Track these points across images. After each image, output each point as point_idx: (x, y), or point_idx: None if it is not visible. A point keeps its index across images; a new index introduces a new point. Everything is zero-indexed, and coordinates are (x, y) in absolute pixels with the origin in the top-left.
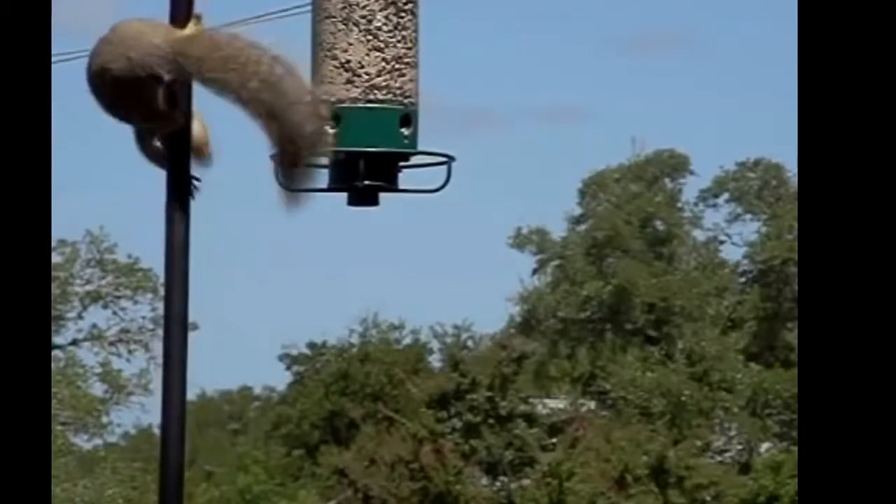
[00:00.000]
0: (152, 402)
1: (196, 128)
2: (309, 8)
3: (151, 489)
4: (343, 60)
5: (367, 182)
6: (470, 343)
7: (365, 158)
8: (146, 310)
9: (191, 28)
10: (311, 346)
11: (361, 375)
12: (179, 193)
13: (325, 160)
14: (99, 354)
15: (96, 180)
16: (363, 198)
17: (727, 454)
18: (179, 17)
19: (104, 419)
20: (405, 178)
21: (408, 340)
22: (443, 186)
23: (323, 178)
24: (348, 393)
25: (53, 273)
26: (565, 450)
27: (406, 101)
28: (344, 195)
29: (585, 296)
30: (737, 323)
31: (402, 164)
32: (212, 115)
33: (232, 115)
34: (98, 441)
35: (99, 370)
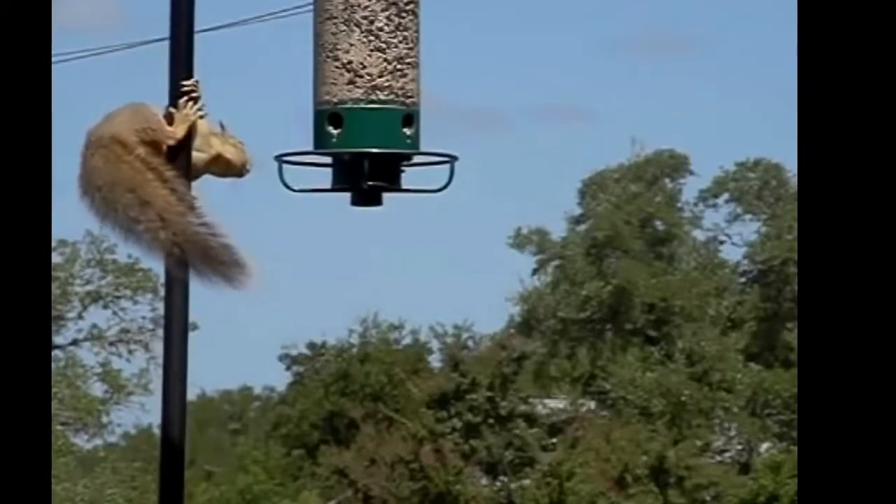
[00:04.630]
0: (152, 402)
1: (232, 152)
2: (309, 8)
3: (151, 489)
4: (345, 61)
5: (370, 183)
6: (470, 343)
7: (369, 159)
8: (146, 310)
9: (179, 121)
10: (311, 346)
11: (361, 375)
12: None
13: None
14: (99, 354)
15: None
16: (367, 198)
17: (727, 454)
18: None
19: (104, 419)
20: (405, 177)
21: (408, 340)
22: (446, 186)
23: (326, 177)
24: (348, 393)
25: (53, 273)
26: (565, 450)
27: (408, 101)
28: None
29: (585, 296)
30: (737, 323)
31: (404, 164)
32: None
33: (232, 116)
34: (98, 441)
35: (99, 370)
